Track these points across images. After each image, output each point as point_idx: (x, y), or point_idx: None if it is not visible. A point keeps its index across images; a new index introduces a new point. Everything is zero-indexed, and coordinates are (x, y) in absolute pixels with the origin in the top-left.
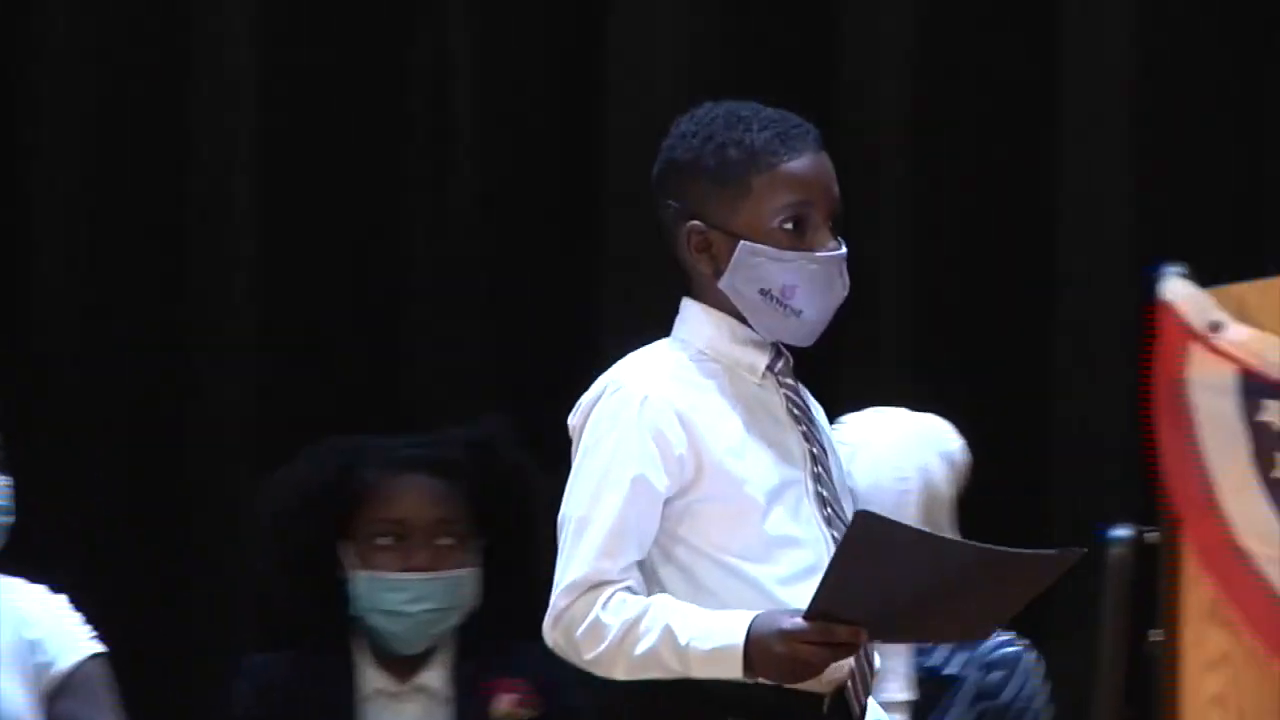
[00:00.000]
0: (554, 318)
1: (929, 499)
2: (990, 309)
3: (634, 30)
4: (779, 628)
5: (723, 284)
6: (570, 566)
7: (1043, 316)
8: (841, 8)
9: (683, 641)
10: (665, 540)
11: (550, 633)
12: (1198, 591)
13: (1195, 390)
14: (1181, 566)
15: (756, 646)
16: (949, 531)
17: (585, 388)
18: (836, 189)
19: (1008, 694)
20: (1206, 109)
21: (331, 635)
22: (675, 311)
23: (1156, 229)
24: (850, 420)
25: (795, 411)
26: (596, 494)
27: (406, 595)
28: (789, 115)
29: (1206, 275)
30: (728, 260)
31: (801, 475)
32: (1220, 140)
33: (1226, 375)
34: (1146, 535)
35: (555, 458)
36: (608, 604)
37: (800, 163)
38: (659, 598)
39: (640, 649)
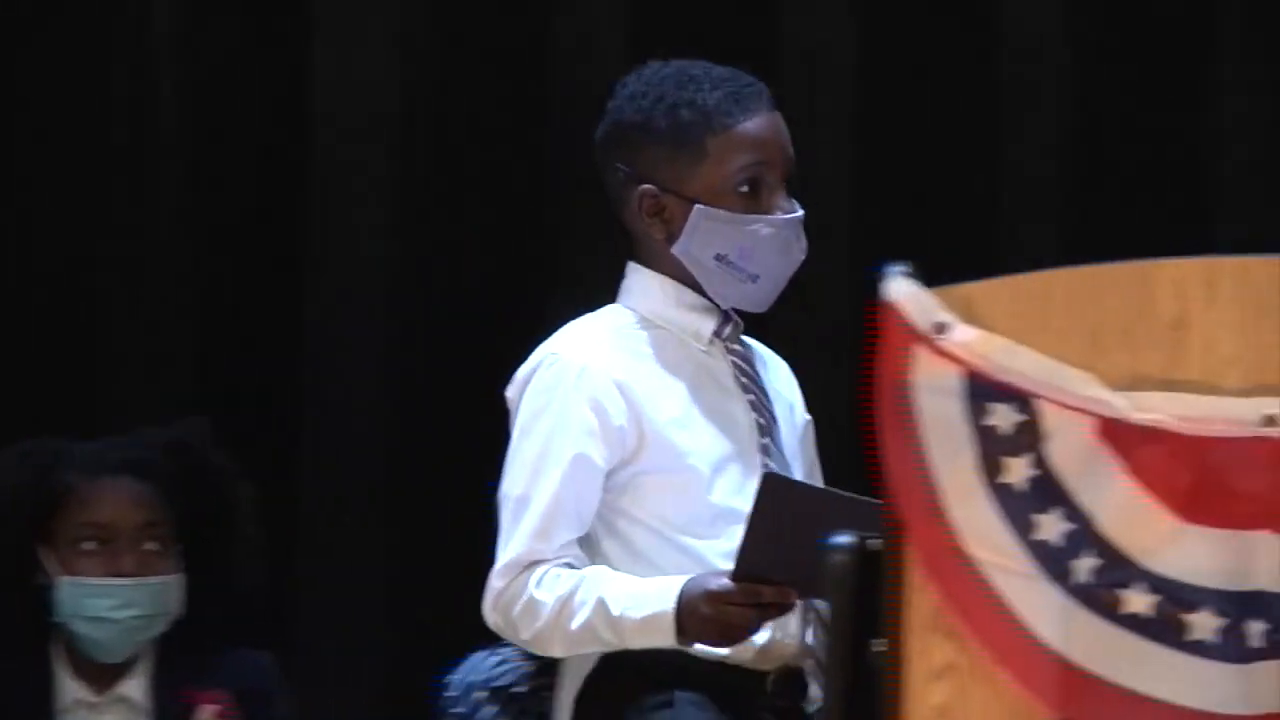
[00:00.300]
0: (258, 322)
1: None
2: None
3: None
4: (706, 589)
5: (676, 249)
6: (507, 547)
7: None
8: None
9: (616, 612)
10: (607, 513)
11: (489, 614)
12: (922, 600)
13: (920, 393)
14: (905, 574)
15: (686, 610)
16: None
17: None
18: (790, 149)
19: None
20: (919, 108)
21: (28, 643)
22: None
23: (877, 227)
24: None
25: (743, 379)
26: (535, 472)
27: (112, 601)
28: (740, 73)
29: (932, 274)
30: (682, 225)
31: (748, 446)
32: (945, 138)
33: (952, 378)
34: (869, 542)
35: (255, 463)
36: (541, 581)
37: (755, 123)
38: (592, 570)
39: (575, 623)
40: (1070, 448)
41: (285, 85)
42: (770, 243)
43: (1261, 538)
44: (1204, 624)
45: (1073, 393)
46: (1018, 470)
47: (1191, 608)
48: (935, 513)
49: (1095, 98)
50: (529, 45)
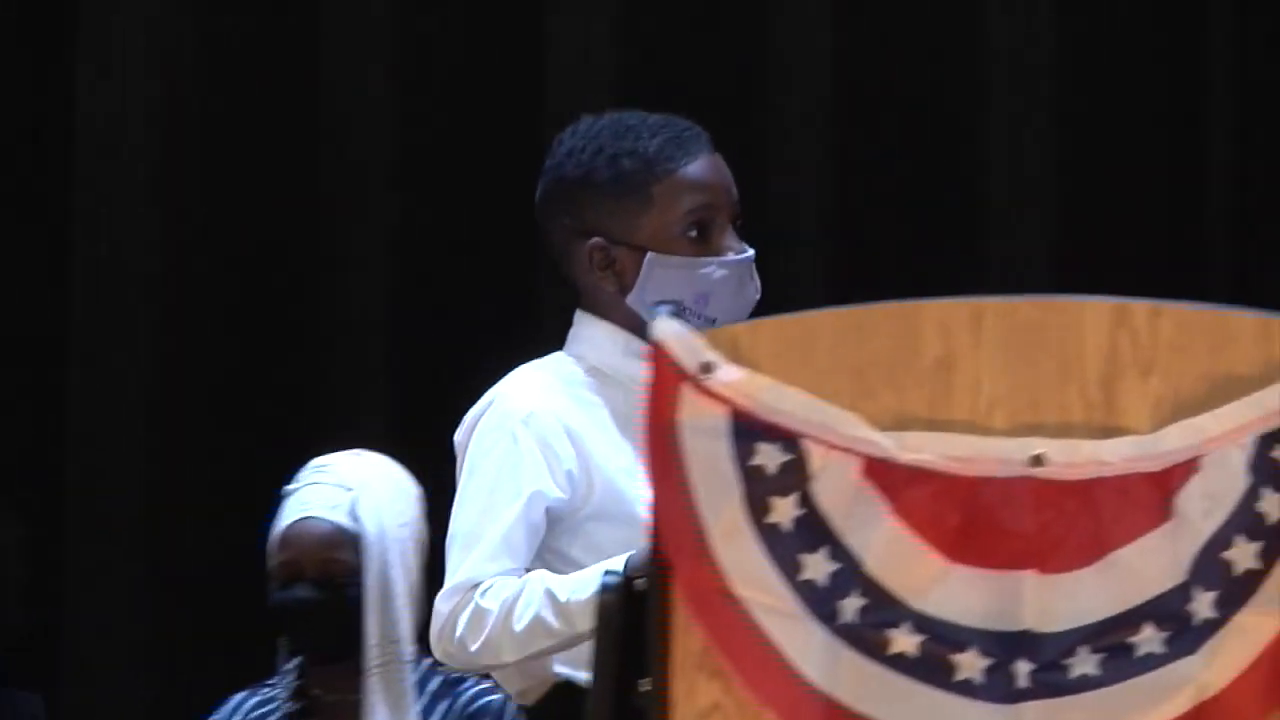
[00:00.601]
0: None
1: (421, 542)
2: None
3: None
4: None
5: (631, 300)
6: (454, 575)
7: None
8: None
9: (563, 598)
10: (550, 556)
11: (437, 645)
12: (688, 640)
13: (686, 433)
14: (672, 614)
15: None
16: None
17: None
18: (734, 190)
19: None
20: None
21: None
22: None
23: None
24: (333, 461)
25: None
26: (485, 508)
27: None
28: (676, 119)
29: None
30: (634, 275)
31: None
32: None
33: (718, 418)
34: (636, 581)
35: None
36: (486, 592)
37: (698, 165)
38: (535, 573)
39: (522, 623)
40: (837, 488)
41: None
42: (725, 285)
43: (1028, 578)
44: (971, 664)
45: (839, 433)
46: (784, 510)
47: (959, 648)
48: (702, 552)
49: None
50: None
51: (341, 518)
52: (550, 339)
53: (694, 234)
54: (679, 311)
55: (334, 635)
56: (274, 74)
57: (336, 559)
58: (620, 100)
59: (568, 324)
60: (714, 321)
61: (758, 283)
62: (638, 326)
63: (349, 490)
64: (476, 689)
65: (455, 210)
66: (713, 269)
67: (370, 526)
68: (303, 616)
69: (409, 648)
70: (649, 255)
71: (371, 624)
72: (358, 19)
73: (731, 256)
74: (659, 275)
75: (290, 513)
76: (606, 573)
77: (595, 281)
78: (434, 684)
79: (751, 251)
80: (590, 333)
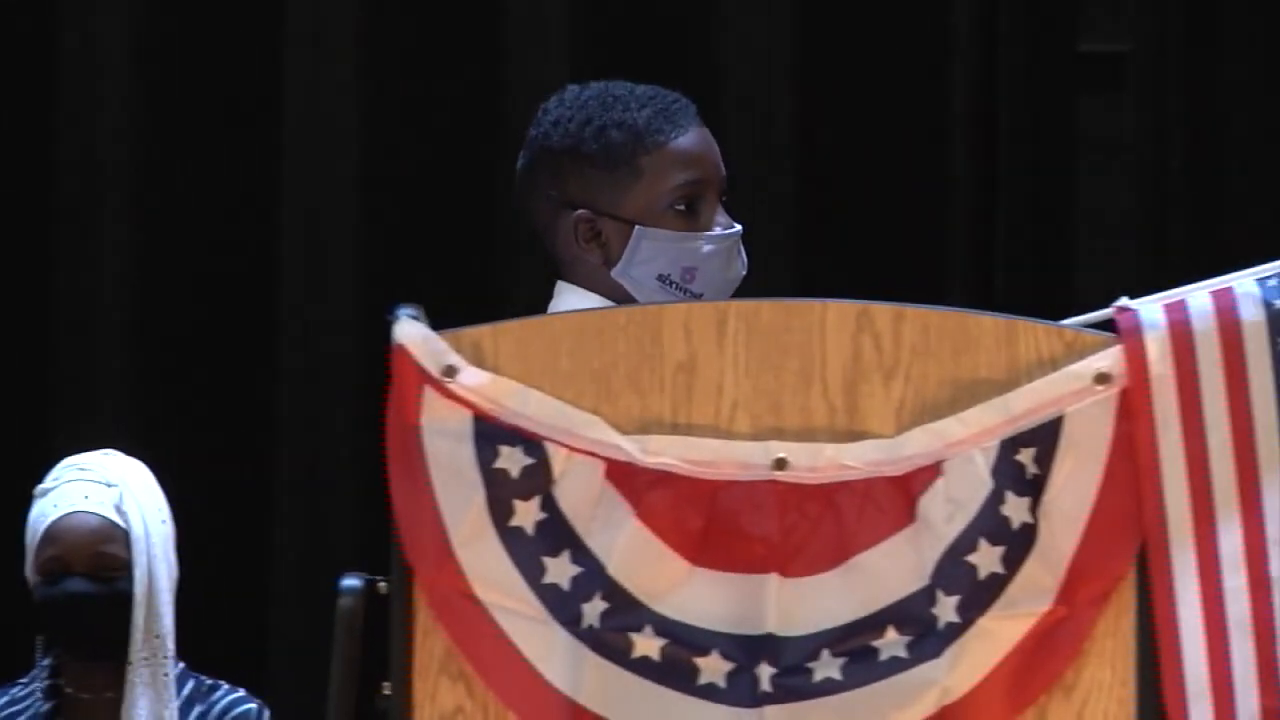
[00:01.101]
0: None
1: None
2: (214, 352)
3: None
4: None
5: (616, 273)
6: None
7: (266, 362)
8: None
9: None
10: None
11: None
12: (431, 643)
13: (428, 436)
14: (415, 617)
15: None
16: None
17: None
18: (722, 165)
19: None
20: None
21: None
22: None
23: (384, 268)
24: (89, 459)
25: None
26: None
27: None
28: (664, 90)
29: (443, 317)
30: (621, 248)
31: None
32: (455, 183)
33: (462, 421)
34: (379, 585)
35: None
36: None
37: (688, 138)
38: None
39: None
40: (580, 491)
41: None
42: (712, 260)
43: (771, 581)
44: (714, 668)
45: (582, 436)
46: (527, 513)
47: (701, 652)
48: (445, 556)
49: None
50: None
51: (110, 512)
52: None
53: (682, 208)
54: (668, 282)
55: (104, 629)
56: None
57: (107, 552)
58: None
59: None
60: (700, 296)
61: (744, 259)
62: (622, 299)
63: (112, 486)
64: (231, 696)
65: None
66: (700, 244)
67: (136, 522)
68: (73, 610)
69: (171, 644)
70: (636, 229)
71: (139, 618)
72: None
73: (719, 231)
74: (647, 248)
75: (53, 509)
76: (348, 575)
77: (579, 254)
78: (188, 688)
79: (739, 227)
80: (573, 302)
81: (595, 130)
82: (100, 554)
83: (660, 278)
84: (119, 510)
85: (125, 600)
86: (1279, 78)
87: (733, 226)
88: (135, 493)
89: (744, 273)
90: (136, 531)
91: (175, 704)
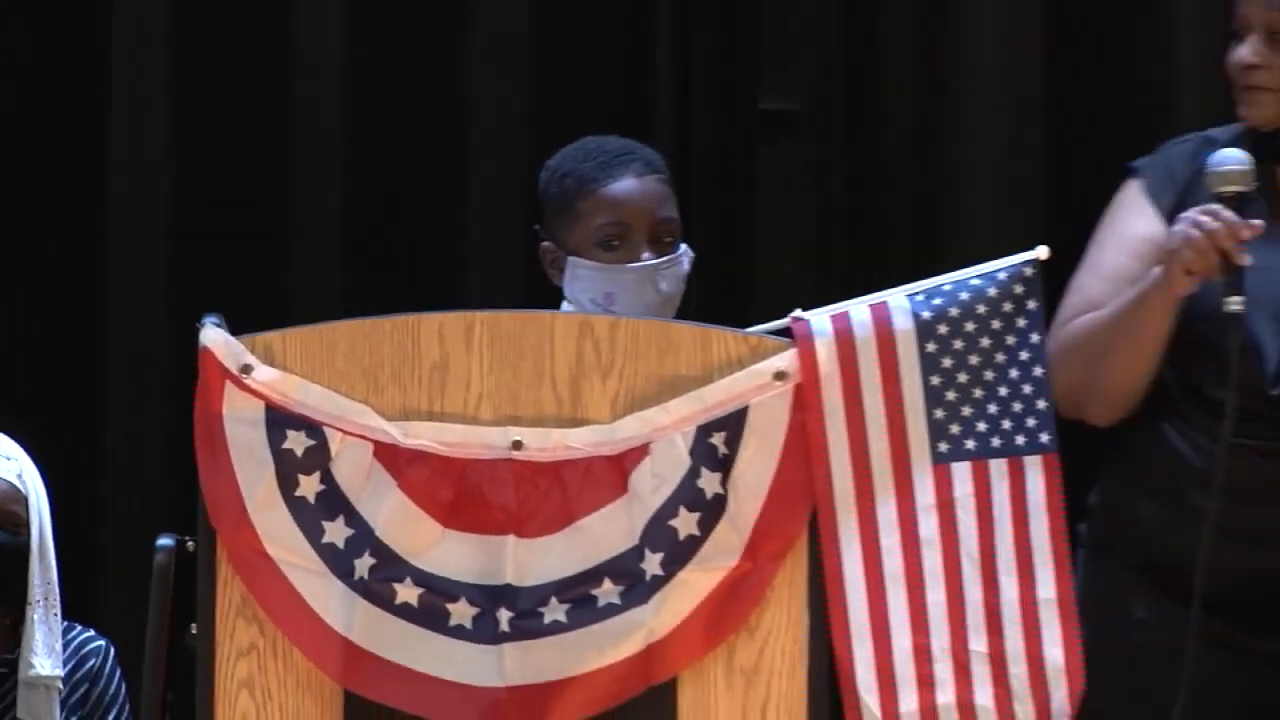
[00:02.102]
0: None
1: None
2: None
3: None
4: None
5: (565, 292)
6: None
7: (99, 355)
8: None
9: None
10: None
11: None
12: (230, 591)
13: (229, 423)
14: (217, 570)
15: None
16: None
17: None
18: (662, 209)
19: (112, 678)
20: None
21: None
22: None
23: (195, 278)
24: None
25: None
26: None
27: None
28: (628, 145)
29: (240, 324)
30: (565, 274)
31: None
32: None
33: (256, 409)
34: (188, 543)
35: None
36: None
37: (617, 187)
38: None
39: None
40: (353, 467)
41: None
42: (628, 287)
43: (509, 541)
44: (462, 612)
45: (354, 422)
46: (309, 485)
47: (452, 599)
48: (242, 520)
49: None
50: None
51: (14, 480)
52: None
53: (614, 242)
54: (596, 304)
55: (12, 573)
56: None
57: (14, 512)
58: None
59: None
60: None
61: (663, 285)
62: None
63: (11, 459)
64: (84, 635)
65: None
66: (615, 273)
67: (31, 489)
68: None
69: (57, 587)
70: (570, 259)
71: (35, 565)
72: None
73: (632, 265)
74: (578, 275)
75: None
76: (162, 536)
77: (549, 275)
78: None
79: (651, 261)
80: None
81: (558, 178)
82: (9, 513)
83: (591, 300)
84: (20, 479)
85: (23, 552)
86: (924, 133)
87: (650, 260)
88: (26, 467)
89: (663, 294)
90: (32, 498)
91: (61, 635)
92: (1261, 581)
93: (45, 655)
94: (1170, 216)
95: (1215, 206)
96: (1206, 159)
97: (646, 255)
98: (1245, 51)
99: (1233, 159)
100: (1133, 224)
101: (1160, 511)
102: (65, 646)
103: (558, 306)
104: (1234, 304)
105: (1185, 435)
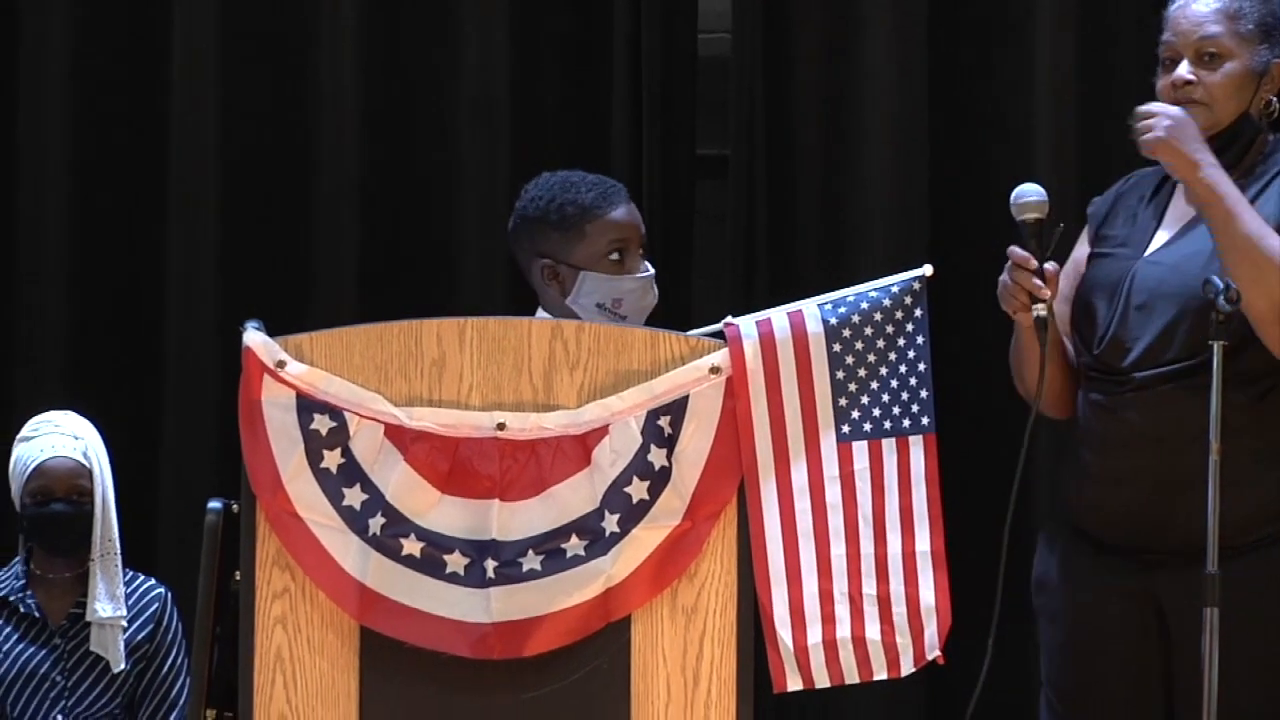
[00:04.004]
0: None
1: None
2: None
3: None
4: None
5: (569, 302)
6: None
7: (159, 351)
8: None
9: None
10: None
11: None
12: (268, 545)
13: (267, 408)
14: (257, 528)
15: None
16: None
17: None
18: (642, 229)
19: (171, 617)
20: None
21: None
22: None
23: (239, 289)
24: (55, 417)
25: None
26: None
27: None
28: (605, 179)
29: (277, 326)
30: (572, 285)
31: None
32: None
33: (289, 397)
34: (234, 506)
35: None
36: None
37: (618, 213)
38: None
39: None
40: (368, 444)
41: None
42: (632, 294)
43: (494, 504)
44: (457, 562)
45: (369, 408)
46: (332, 459)
47: (448, 551)
48: (278, 487)
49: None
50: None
51: (80, 457)
52: None
53: (615, 258)
54: (603, 309)
55: (77, 535)
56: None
57: (80, 485)
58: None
59: None
60: (624, 318)
61: (656, 292)
62: (573, 318)
63: (79, 439)
64: (147, 583)
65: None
66: (624, 282)
67: (96, 464)
68: (57, 524)
69: (118, 544)
70: (581, 272)
71: (98, 529)
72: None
73: (637, 275)
74: (589, 286)
75: (38, 453)
76: (212, 500)
77: (545, 288)
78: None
79: (652, 271)
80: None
81: (556, 205)
82: (76, 486)
83: (598, 305)
84: (85, 456)
85: (89, 516)
86: (829, 173)
87: (648, 272)
88: (92, 444)
89: (654, 302)
90: (96, 472)
91: (123, 584)
92: (1123, 519)
93: (107, 601)
94: (1092, 241)
95: (1012, 251)
96: (1096, 202)
97: (643, 267)
98: (1182, 70)
99: (1029, 192)
100: (1076, 251)
101: (1068, 464)
102: (131, 593)
103: (533, 314)
104: (1038, 310)
105: (1084, 397)
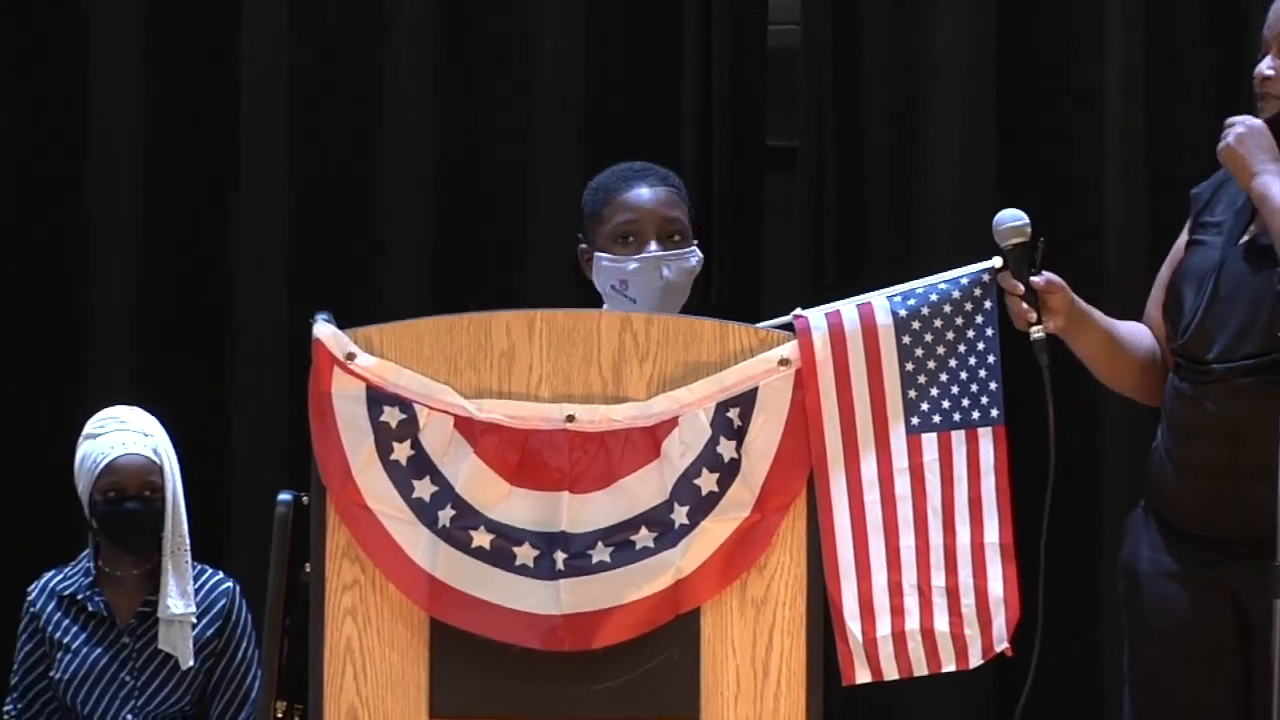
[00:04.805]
0: None
1: None
2: (197, 338)
3: None
4: None
5: (595, 284)
6: None
7: (228, 345)
8: None
9: None
10: None
11: None
12: (338, 537)
13: (337, 400)
14: (327, 520)
15: None
16: None
17: None
18: (670, 212)
19: (241, 611)
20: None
21: None
22: None
23: (308, 283)
24: (122, 413)
25: None
26: None
27: None
28: (650, 165)
29: (346, 318)
30: (593, 268)
31: None
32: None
33: (359, 389)
34: (303, 498)
35: None
36: None
37: (630, 194)
38: None
39: None
40: (437, 436)
41: None
42: (637, 275)
43: (564, 496)
44: (526, 554)
45: (438, 399)
46: (402, 451)
47: (518, 543)
48: (347, 479)
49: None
50: None
51: (150, 454)
52: None
53: (629, 239)
54: (615, 289)
55: (148, 532)
56: None
57: (151, 481)
58: None
59: None
60: (634, 300)
61: (666, 272)
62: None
63: (149, 435)
64: (215, 577)
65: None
66: (626, 264)
67: (166, 460)
68: (129, 520)
69: (188, 541)
70: (595, 254)
71: (169, 525)
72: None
73: (639, 255)
74: (601, 267)
75: (108, 450)
76: (283, 492)
77: (585, 272)
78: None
79: (656, 253)
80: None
81: (591, 191)
82: (147, 482)
83: (612, 286)
84: (155, 452)
85: (160, 513)
86: (898, 165)
87: (654, 253)
88: (161, 440)
89: (673, 279)
90: (167, 468)
91: (193, 580)
92: (1201, 509)
93: (178, 597)
94: (1191, 230)
95: (1001, 279)
96: (1200, 187)
97: (654, 249)
98: (1263, 65)
99: (1007, 218)
100: (1179, 239)
101: (1154, 451)
102: (200, 588)
103: (600, 306)
104: (1035, 333)
105: (1169, 380)
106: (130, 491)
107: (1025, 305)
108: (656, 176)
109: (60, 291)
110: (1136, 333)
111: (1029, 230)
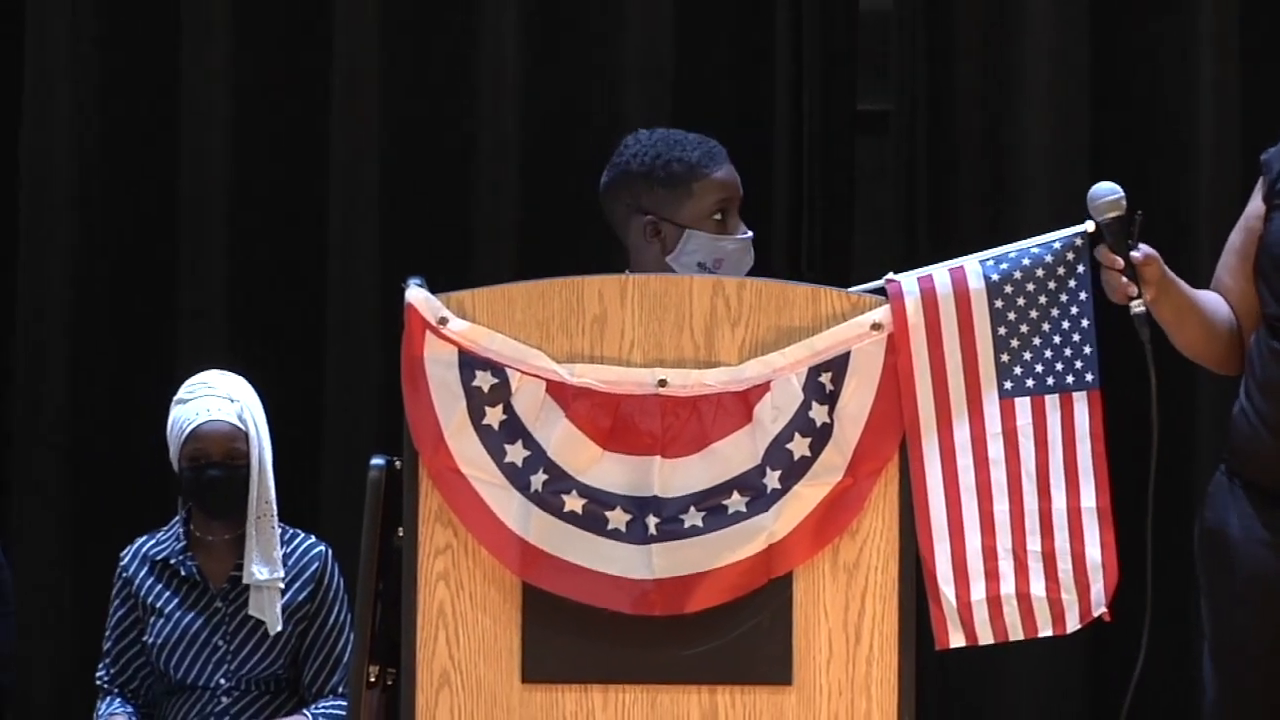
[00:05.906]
0: None
1: None
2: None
3: None
4: None
5: (670, 259)
6: None
7: (321, 313)
8: None
9: None
10: None
11: None
12: (430, 501)
13: (429, 364)
14: (419, 484)
15: None
16: None
17: None
18: (741, 189)
19: (333, 575)
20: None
21: None
22: None
23: (400, 248)
24: (211, 378)
25: None
26: None
27: None
28: (706, 138)
29: (438, 283)
30: (675, 243)
31: None
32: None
33: (451, 354)
34: (396, 463)
35: None
36: None
37: (723, 172)
38: None
39: None
40: (529, 401)
41: None
42: (733, 255)
43: (656, 461)
44: (618, 518)
45: (530, 364)
46: (494, 416)
47: (610, 507)
48: (440, 443)
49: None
50: None
51: (235, 420)
52: None
53: (718, 218)
54: (704, 268)
55: (233, 499)
56: None
57: (236, 448)
58: None
59: None
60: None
61: (753, 254)
62: None
63: (235, 401)
64: (307, 541)
65: None
66: (728, 243)
67: (251, 427)
68: (214, 488)
69: (274, 506)
70: (686, 231)
71: (253, 491)
72: None
73: (739, 236)
74: (693, 244)
75: (195, 416)
76: (375, 456)
77: (644, 245)
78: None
79: (751, 234)
80: None
81: (663, 162)
82: (231, 449)
83: (699, 264)
84: (240, 419)
85: (245, 480)
86: (994, 130)
87: (747, 233)
88: (249, 405)
89: (751, 263)
90: (252, 434)
91: (279, 545)
92: None
93: (262, 564)
94: (1267, 198)
95: (1099, 253)
96: (1271, 152)
97: (743, 229)
98: None
99: (1103, 191)
100: (1250, 204)
101: (1241, 415)
102: (291, 553)
103: (622, 271)
104: (1135, 307)
105: (1260, 343)
106: (214, 458)
107: (1125, 279)
108: (726, 153)
109: (161, 251)
110: (1215, 301)
111: (1124, 204)
